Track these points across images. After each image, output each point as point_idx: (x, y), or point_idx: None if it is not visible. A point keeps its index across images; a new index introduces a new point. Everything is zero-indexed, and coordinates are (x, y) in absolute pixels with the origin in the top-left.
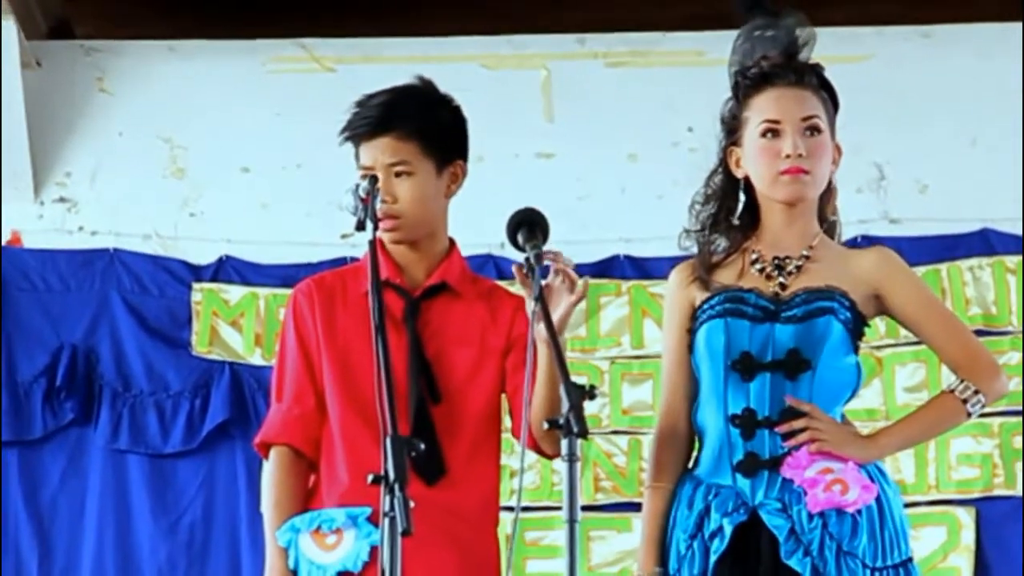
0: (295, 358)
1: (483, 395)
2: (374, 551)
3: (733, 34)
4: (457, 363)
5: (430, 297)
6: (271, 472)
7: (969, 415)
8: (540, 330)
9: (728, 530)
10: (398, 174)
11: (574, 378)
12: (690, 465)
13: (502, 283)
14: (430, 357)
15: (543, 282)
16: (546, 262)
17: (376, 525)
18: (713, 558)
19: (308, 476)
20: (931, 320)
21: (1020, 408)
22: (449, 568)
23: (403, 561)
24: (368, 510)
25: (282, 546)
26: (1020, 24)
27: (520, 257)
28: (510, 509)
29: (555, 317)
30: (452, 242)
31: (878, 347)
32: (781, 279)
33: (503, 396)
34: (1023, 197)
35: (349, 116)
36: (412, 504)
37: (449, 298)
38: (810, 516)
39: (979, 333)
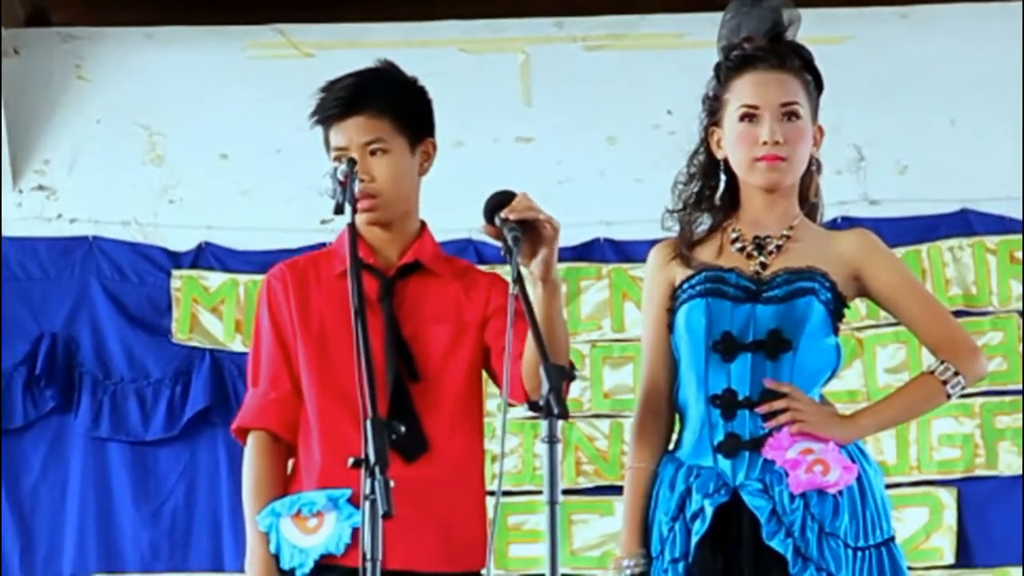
0: (270, 343)
1: (461, 372)
2: (356, 533)
3: (712, 16)
4: (434, 341)
5: (404, 276)
6: (249, 457)
7: (949, 396)
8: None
9: (709, 511)
10: (373, 152)
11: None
12: (671, 446)
13: (482, 267)
14: (407, 336)
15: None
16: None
17: (357, 507)
18: (695, 539)
19: (287, 460)
20: (911, 302)
21: (1002, 388)
22: (432, 547)
23: (385, 541)
24: (348, 491)
25: (263, 531)
26: (999, 4)
27: (496, 242)
28: (491, 494)
29: (536, 261)
30: (423, 223)
31: (859, 328)
32: (761, 259)
33: (483, 372)
34: (1005, 176)
35: (316, 101)
36: (392, 483)
37: (423, 277)
38: (791, 497)
39: (959, 314)
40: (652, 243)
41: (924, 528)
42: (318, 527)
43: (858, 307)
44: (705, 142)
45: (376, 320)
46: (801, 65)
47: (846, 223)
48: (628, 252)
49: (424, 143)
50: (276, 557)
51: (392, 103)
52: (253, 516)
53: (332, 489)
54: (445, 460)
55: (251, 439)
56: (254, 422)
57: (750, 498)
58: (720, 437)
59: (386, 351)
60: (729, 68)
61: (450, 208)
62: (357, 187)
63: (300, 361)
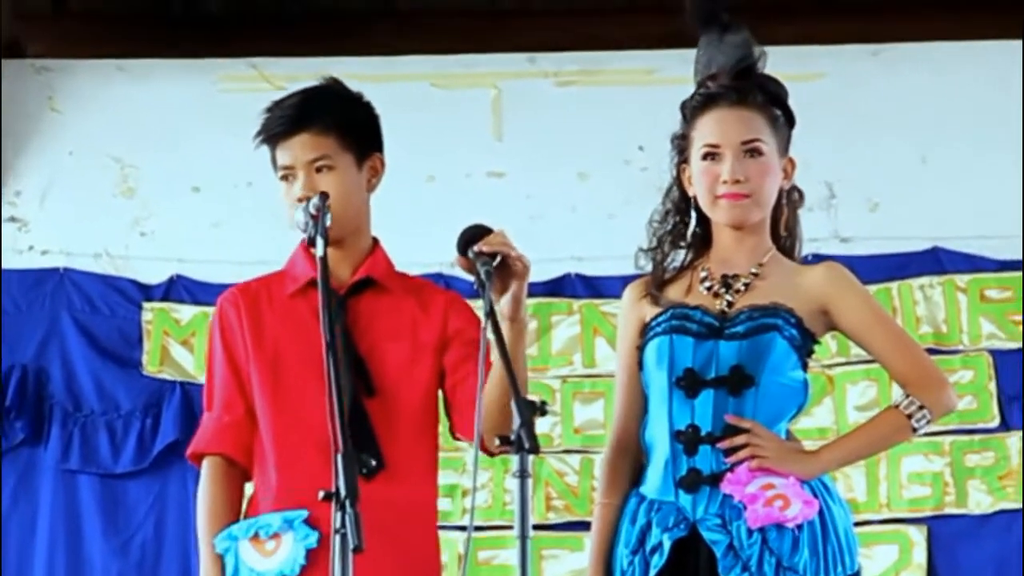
0: (222, 367)
1: (418, 390)
2: (311, 554)
3: (682, 52)
4: (390, 358)
5: (357, 293)
6: (204, 482)
7: (915, 430)
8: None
9: (667, 545)
10: (319, 169)
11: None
12: (638, 481)
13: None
14: (363, 353)
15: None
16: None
17: (313, 527)
18: (652, 573)
19: (242, 484)
20: (878, 334)
21: (971, 427)
22: (385, 565)
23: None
24: (304, 513)
25: (219, 553)
26: (970, 43)
27: (468, 276)
28: (462, 528)
29: (507, 298)
30: (375, 240)
31: (829, 365)
32: (728, 297)
33: (439, 393)
34: (983, 216)
35: (262, 121)
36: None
37: (376, 293)
38: (749, 532)
39: (930, 352)
40: (624, 279)
41: (894, 566)
42: (275, 549)
43: (828, 344)
44: (677, 179)
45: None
46: (766, 100)
47: (817, 260)
48: (599, 288)
49: (371, 159)
50: None
51: (337, 119)
52: (207, 540)
53: (288, 511)
54: (403, 477)
55: (206, 464)
56: (208, 447)
57: (708, 533)
58: (682, 472)
59: (342, 368)
60: (694, 106)
61: (421, 241)
62: (328, 220)
63: (253, 384)
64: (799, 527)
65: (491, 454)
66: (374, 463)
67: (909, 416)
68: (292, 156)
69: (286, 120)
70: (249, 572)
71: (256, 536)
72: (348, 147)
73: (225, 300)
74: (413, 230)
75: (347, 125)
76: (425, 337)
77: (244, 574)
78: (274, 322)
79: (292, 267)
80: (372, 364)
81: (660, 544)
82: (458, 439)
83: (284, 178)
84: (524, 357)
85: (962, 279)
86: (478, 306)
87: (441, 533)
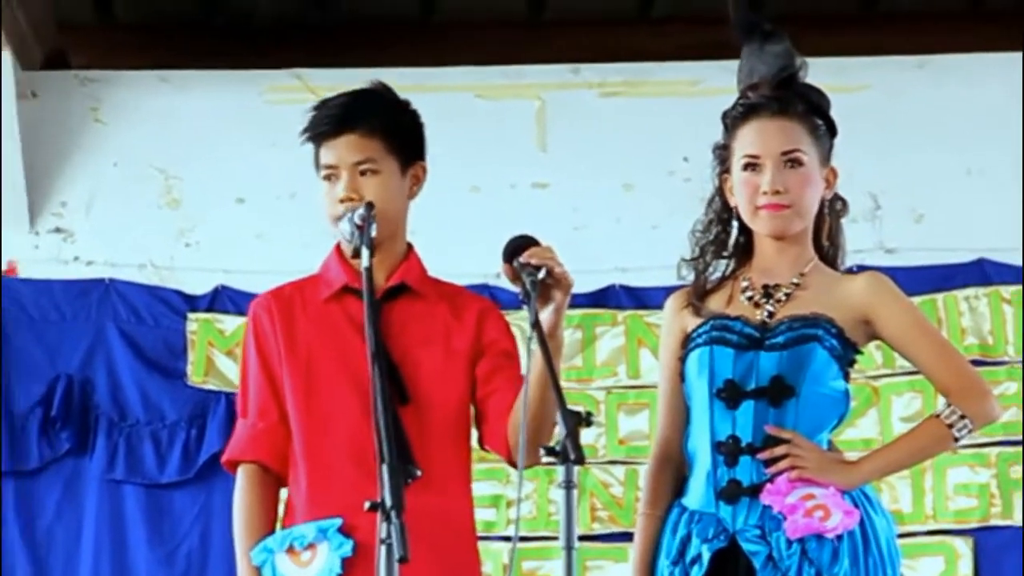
0: (256, 373)
1: (452, 397)
2: (346, 563)
3: (726, 64)
4: (423, 364)
5: (391, 299)
6: (240, 490)
7: (956, 440)
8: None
9: (706, 556)
10: (363, 172)
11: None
12: (680, 492)
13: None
14: (396, 359)
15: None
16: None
17: (347, 536)
18: None
19: (277, 491)
20: (921, 344)
21: (1018, 438)
22: (423, 573)
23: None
24: (338, 521)
25: (256, 565)
26: (1016, 54)
27: (513, 287)
28: (507, 539)
29: (548, 312)
30: (410, 245)
31: (874, 377)
32: (769, 307)
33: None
34: (1020, 227)
35: (308, 118)
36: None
37: (410, 299)
38: (789, 542)
39: (975, 363)
40: (668, 290)
41: None
42: (311, 560)
43: (873, 355)
44: (719, 189)
45: (364, 345)
46: (807, 109)
47: (861, 271)
48: (643, 298)
49: (415, 166)
50: None
51: (384, 124)
52: (244, 549)
53: (322, 520)
54: (436, 487)
55: (240, 472)
56: (243, 454)
57: (747, 544)
58: (723, 483)
59: (371, 375)
60: (735, 116)
61: (466, 252)
62: (374, 231)
63: (286, 389)
64: (839, 537)
65: (515, 465)
66: (419, 472)
67: (950, 426)
68: (337, 156)
69: (333, 119)
70: None
71: (291, 548)
72: (393, 152)
73: (258, 305)
74: (457, 241)
75: (393, 130)
76: (458, 344)
77: None
78: (307, 327)
79: (326, 271)
80: (405, 370)
81: (699, 555)
82: (486, 450)
83: (327, 177)
84: (559, 373)
85: (1007, 290)
86: (514, 319)
87: (486, 544)
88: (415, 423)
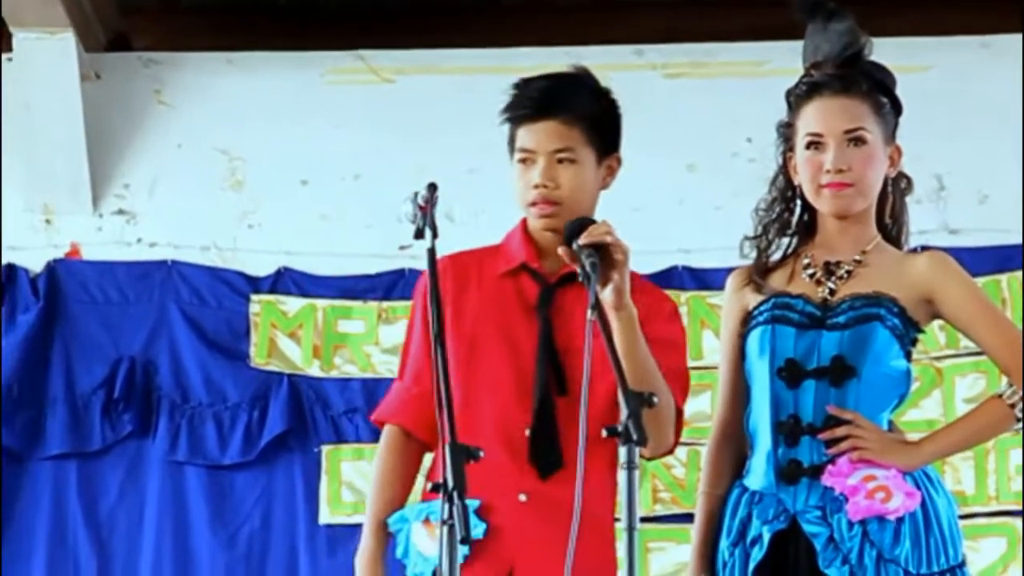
0: (419, 338)
1: (607, 391)
2: (475, 545)
3: (792, 44)
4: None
5: (565, 285)
6: (381, 449)
7: (1019, 420)
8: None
9: (767, 538)
10: (561, 160)
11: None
12: (741, 472)
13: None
14: (559, 348)
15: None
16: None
17: (482, 518)
18: (752, 565)
19: (419, 457)
20: (983, 323)
21: None
22: (560, 566)
23: (515, 554)
24: (476, 503)
25: (391, 531)
26: None
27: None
28: None
29: (609, 288)
30: None
31: (938, 357)
32: (831, 284)
33: None
34: None
35: (509, 98)
36: (524, 498)
37: (584, 288)
38: (850, 524)
39: None
40: (731, 270)
41: (1002, 559)
42: None
43: (937, 336)
44: (783, 167)
45: (532, 327)
46: (871, 87)
47: (924, 251)
48: (706, 280)
49: (610, 157)
50: (403, 560)
51: (586, 112)
52: (373, 508)
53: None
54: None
55: (385, 432)
56: (390, 416)
57: (808, 525)
58: (783, 463)
59: (538, 361)
60: (798, 95)
61: None
62: (435, 212)
63: (449, 358)
64: (900, 519)
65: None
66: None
67: (1012, 406)
68: (536, 141)
69: (535, 104)
70: (418, 555)
71: (428, 520)
72: (592, 142)
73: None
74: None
75: (594, 120)
76: None
77: (413, 556)
78: (478, 300)
79: (508, 245)
80: (567, 360)
81: (760, 536)
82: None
83: (523, 161)
84: (641, 346)
85: None
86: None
87: None
88: (568, 416)
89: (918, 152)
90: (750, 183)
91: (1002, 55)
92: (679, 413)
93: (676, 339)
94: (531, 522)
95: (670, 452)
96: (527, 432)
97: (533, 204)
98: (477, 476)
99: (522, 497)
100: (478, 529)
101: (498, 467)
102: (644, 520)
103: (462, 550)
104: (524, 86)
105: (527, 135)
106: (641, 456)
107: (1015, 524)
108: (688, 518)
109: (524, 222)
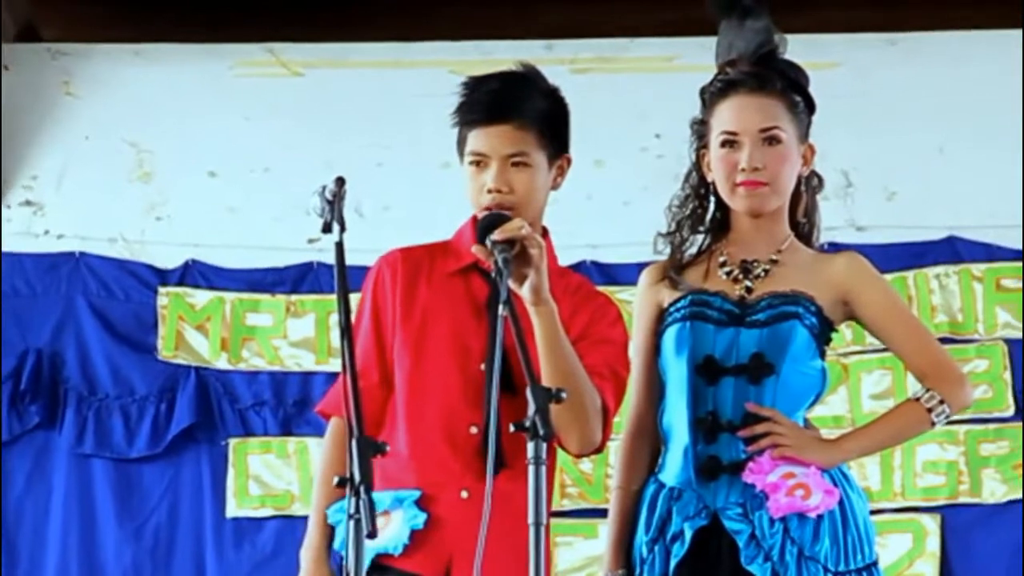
0: (366, 331)
1: None
2: (415, 535)
3: (701, 40)
4: (533, 355)
5: None
6: (325, 443)
7: (933, 424)
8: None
9: (688, 534)
10: (515, 164)
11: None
12: (656, 468)
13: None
14: (508, 347)
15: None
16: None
17: (422, 509)
18: (673, 562)
19: None
20: (898, 327)
21: (987, 416)
22: (501, 556)
23: (455, 546)
24: (416, 493)
25: (330, 524)
26: (990, 32)
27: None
28: None
29: (526, 285)
30: (545, 230)
31: (844, 354)
32: (747, 283)
33: None
34: (991, 205)
35: (459, 99)
36: (466, 495)
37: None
38: (771, 521)
39: (945, 341)
40: (639, 266)
41: (908, 555)
42: (384, 526)
43: (844, 332)
44: (696, 164)
45: (481, 326)
46: (786, 86)
47: (832, 249)
48: (615, 275)
49: (561, 158)
50: (343, 551)
51: (539, 116)
52: (318, 501)
53: (402, 491)
54: (521, 477)
55: (330, 424)
56: (335, 409)
57: (729, 522)
58: (702, 460)
59: (485, 361)
60: (713, 93)
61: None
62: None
63: (395, 354)
64: (820, 516)
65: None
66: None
67: (929, 410)
68: (489, 146)
69: (487, 109)
70: None
71: None
72: (544, 145)
73: (384, 261)
74: (429, 215)
75: (547, 122)
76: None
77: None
78: (428, 296)
79: (459, 242)
80: (515, 359)
81: (681, 532)
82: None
83: (475, 163)
84: (562, 341)
85: (978, 268)
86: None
87: None
88: (515, 414)
89: (825, 148)
90: (659, 179)
91: (910, 52)
92: (607, 411)
93: (616, 340)
94: (472, 517)
95: (599, 451)
96: (472, 430)
97: (487, 208)
98: (421, 468)
99: (464, 494)
100: (419, 519)
101: (441, 461)
102: (551, 515)
103: (401, 538)
104: (475, 88)
105: (479, 139)
106: (569, 453)
107: (920, 520)
108: (595, 513)
109: (474, 219)
